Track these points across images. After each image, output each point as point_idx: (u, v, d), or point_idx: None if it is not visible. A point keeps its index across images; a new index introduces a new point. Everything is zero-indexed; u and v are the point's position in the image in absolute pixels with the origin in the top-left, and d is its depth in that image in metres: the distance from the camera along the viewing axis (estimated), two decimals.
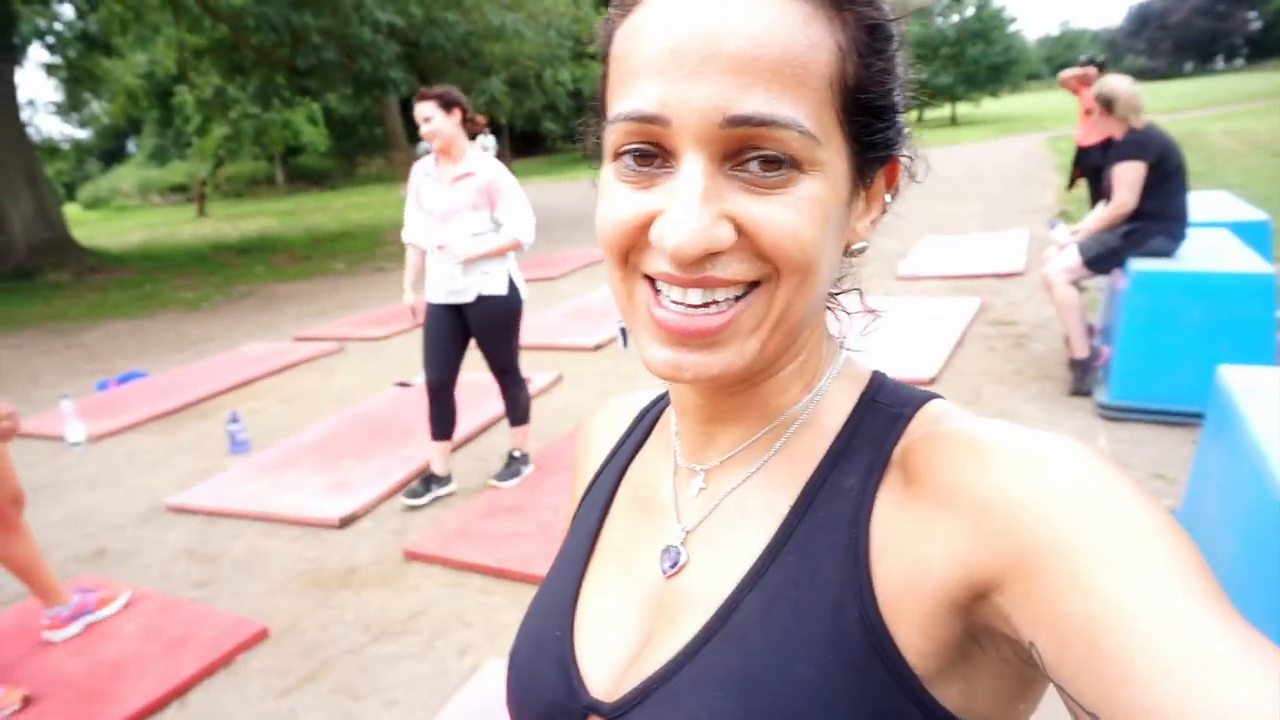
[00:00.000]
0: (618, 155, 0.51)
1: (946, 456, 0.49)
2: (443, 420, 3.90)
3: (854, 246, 0.56)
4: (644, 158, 0.50)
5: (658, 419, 0.71)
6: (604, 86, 0.54)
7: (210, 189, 29.96)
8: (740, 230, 0.48)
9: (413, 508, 3.90)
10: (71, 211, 26.63)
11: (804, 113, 0.47)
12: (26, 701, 2.64)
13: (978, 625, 0.47)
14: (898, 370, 4.85)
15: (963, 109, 38.58)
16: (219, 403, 5.98)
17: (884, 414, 0.56)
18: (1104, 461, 0.45)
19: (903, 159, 0.57)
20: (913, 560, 0.48)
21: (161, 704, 2.65)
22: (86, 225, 20.99)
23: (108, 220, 28.28)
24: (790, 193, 0.48)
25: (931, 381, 4.74)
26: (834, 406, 0.58)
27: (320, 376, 6.49)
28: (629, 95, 0.49)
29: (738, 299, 0.50)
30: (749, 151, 0.47)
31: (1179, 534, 0.42)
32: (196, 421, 5.63)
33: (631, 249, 0.52)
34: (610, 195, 0.52)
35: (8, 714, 2.61)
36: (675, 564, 0.59)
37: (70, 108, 27.00)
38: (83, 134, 37.82)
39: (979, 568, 0.45)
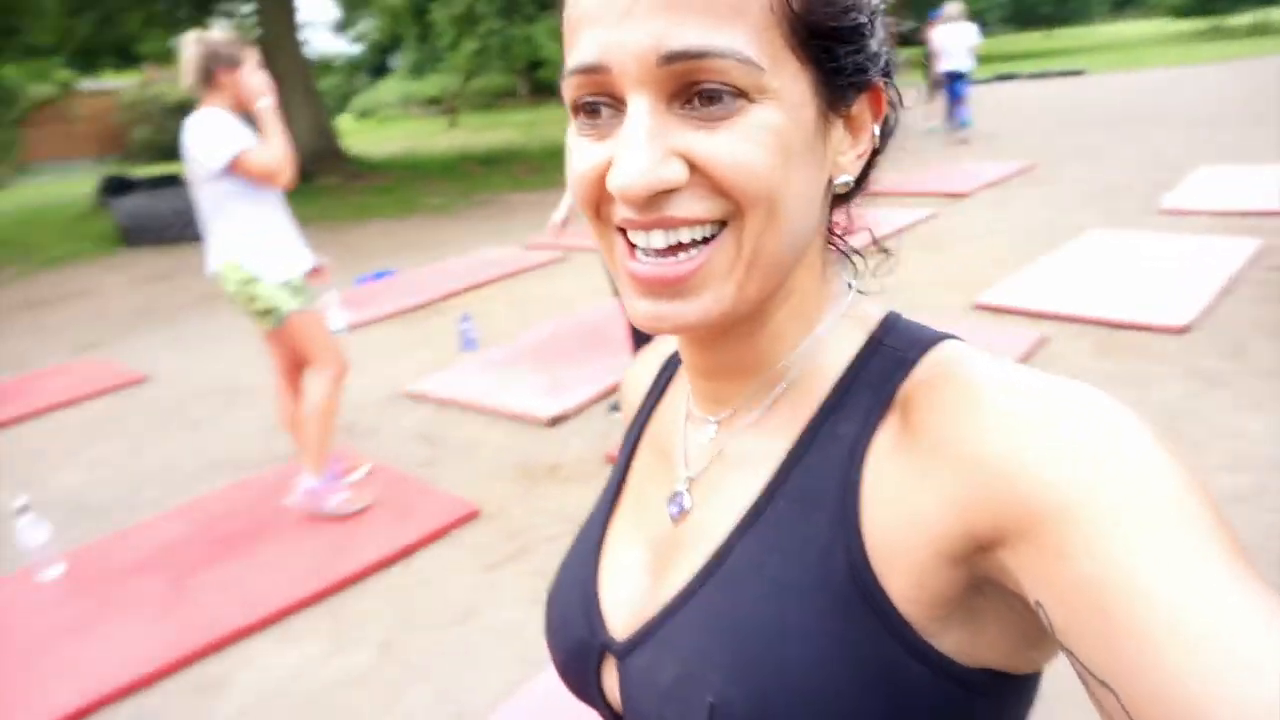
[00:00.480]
0: (575, 110, 0.51)
1: (948, 403, 0.47)
2: (640, 339, 4.01)
3: (837, 180, 0.53)
4: (596, 110, 0.49)
5: (677, 368, 0.71)
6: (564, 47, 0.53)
7: (460, 102, 31.88)
8: (693, 166, 0.47)
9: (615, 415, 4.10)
10: (343, 122, 29.37)
11: (743, 40, 0.45)
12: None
13: (980, 576, 0.46)
14: (1143, 315, 4.42)
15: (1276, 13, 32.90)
16: (455, 302, 6.50)
17: (889, 357, 0.54)
18: (1125, 412, 0.42)
19: (884, 86, 0.54)
20: (907, 509, 0.47)
21: (389, 562, 3.04)
22: (354, 135, 23.10)
23: (372, 130, 30.93)
24: (739, 123, 0.46)
25: (1183, 330, 4.24)
26: (837, 349, 0.56)
27: (546, 283, 6.87)
28: (574, 49, 0.49)
29: (705, 241, 0.49)
30: (694, 86, 0.46)
31: (1199, 492, 0.39)
32: (435, 318, 6.17)
33: (600, 202, 0.51)
34: (575, 151, 0.52)
35: (362, 473, 3.53)
36: (680, 509, 0.61)
37: (345, 25, 29.45)
38: (355, 50, 41.33)
39: (978, 522, 0.43)
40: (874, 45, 0.52)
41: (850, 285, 0.60)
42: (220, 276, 3.05)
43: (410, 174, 15.61)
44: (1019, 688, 0.51)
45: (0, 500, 3.54)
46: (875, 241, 0.63)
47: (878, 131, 0.55)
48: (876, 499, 0.49)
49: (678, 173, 0.47)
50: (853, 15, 0.49)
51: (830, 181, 0.53)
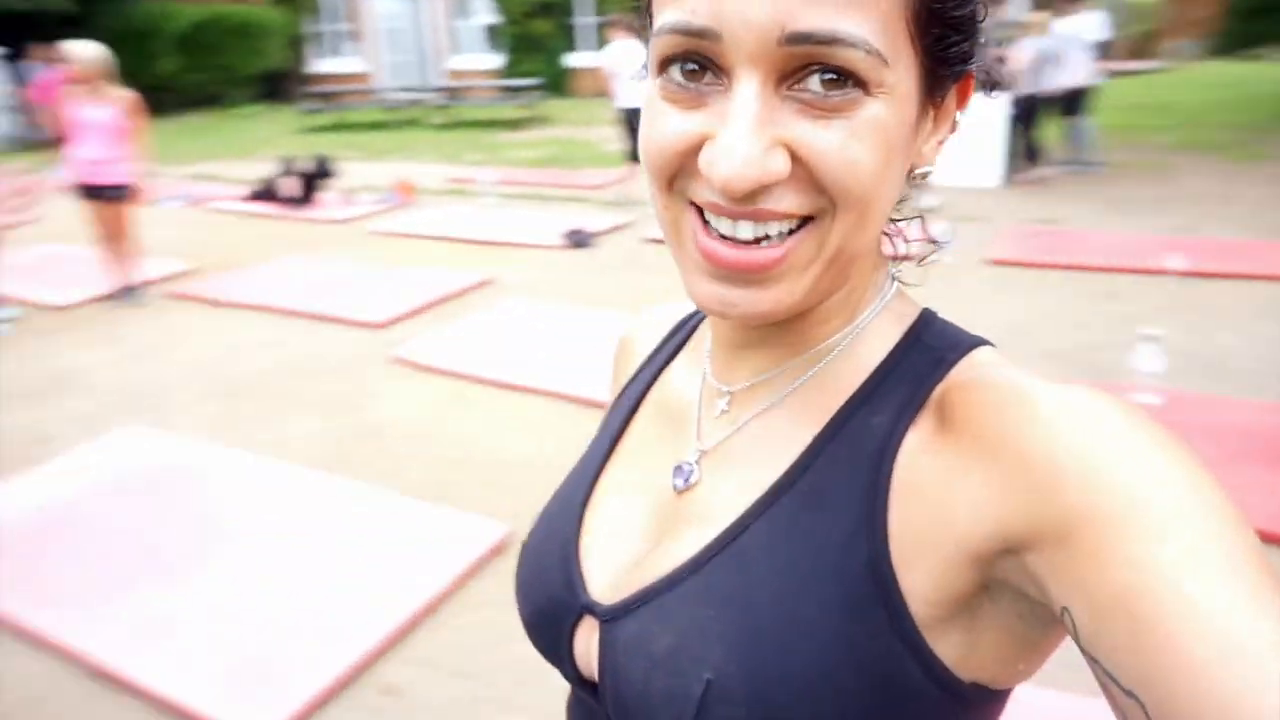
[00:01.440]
0: (663, 68, 0.47)
1: (988, 405, 0.46)
2: None
3: (918, 170, 0.52)
4: (692, 72, 0.46)
5: (694, 330, 0.69)
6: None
7: None
8: (796, 158, 0.44)
9: None
10: None
11: (872, 28, 0.42)
12: None
13: (995, 579, 0.45)
14: None
15: None
16: None
17: (927, 354, 0.53)
18: (1159, 428, 0.42)
19: (977, 72, 0.52)
20: (936, 507, 0.46)
21: None
22: None
23: None
24: (853, 117, 0.44)
25: None
26: (875, 340, 0.55)
27: None
28: (678, 3, 0.45)
29: (790, 233, 0.47)
30: (810, 69, 0.43)
31: (1232, 509, 0.39)
32: None
33: (677, 174, 0.48)
34: (655, 114, 0.48)
35: None
36: (687, 481, 0.59)
37: None
38: None
39: (1011, 524, 0.42)
40: (979, 30, 0.49)
41: (893, 277, 0.58)
42: None
43: None
44: (998, 702, 0.51)
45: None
46: (924, 233, 0.60)
47: (959, 118, 0.53)
48: (907, 495, 0.48)
49: (782, 166, 0.44)
50: (972, 4, 0.47)
51: (911, 170, 0.51)
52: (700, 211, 0.48)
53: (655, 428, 0.65)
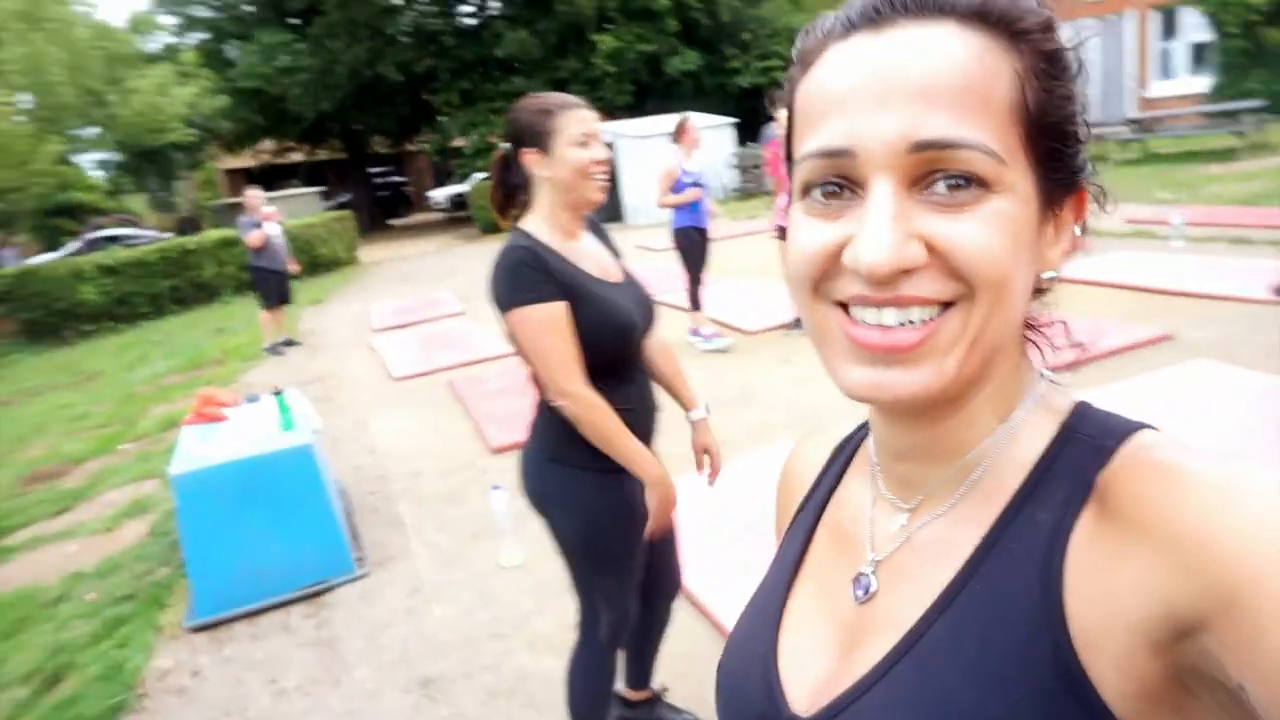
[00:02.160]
0: (806, 192, 0.54)
1: (1142, 487, 0.48)
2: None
3: (1045, 275, 0.56)
4: (832, 192, 0.52)
5: (855, 452, 0.72)
6: (789, 138, 0.58)
7: None
8: (931, 249, 0.49)
9: None
10: None
11: (987, 135, 0.48)
12: None
13: (1185, 668, 0.45)
14: None
15: None
16: None
17: (1085, 446, 0.54)
18: None
19: (1089, 189, 0.57)
20: (1108, 595, 0.47)
21: None
22: None
23: None
24: (980, 210, 0.49)
25: None
26: (1030, 439, 0.57)
27: None
28: (816, 134, 0.52)
29: (933, 319, 0.50)
30: (935, 174, 0.49)
31: None
32: None
33: (822, 278, 0.53)
34: (800, 229, 0.54)
35: None
36: (866, 591, 0.61)
37: None
38: None
39: (1178, 604, 0.44)
40: (1084, 150, 0.55)
41: (1043, 375, 0.60)
42: None
43: None
44: None
45: None
46: (1068, 336, 0.63)
47: (1078, 232, 0.57)
48: (1081, 588, 0.49)
49: (919, 254, 0.49)
50: (1077, 121, 0.54)
51: (1038, 275, 0.55)
52: (845, 308, 0.53)
53: (834, 546, 0.68)
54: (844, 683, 0.58)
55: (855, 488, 0.69)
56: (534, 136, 1.90)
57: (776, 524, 0.81)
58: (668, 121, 6.51)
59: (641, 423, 2.02)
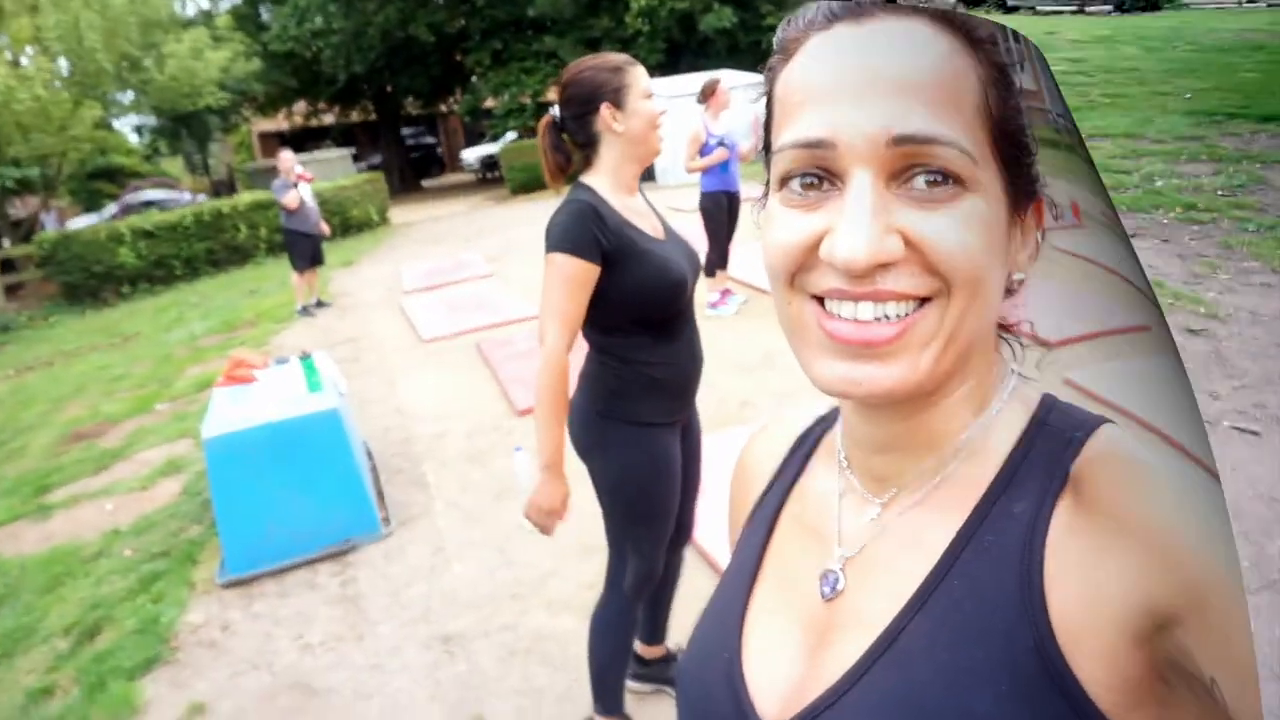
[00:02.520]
0: (783, 183, 0.53)
1: (1119, 482, 0.49)
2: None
3: (1014, 276, 0.56)
4: (810, 183, 0.51)
5: (816, 444, 0.70)
6: (768, 126, 0.57)
7: None
8: (909, 243, 0.49)
9: None
10: None
11: (961, 134, 0.49)
12: None
13: (1162, 660, 0.46)
14: None
15: None
16: None
17: (1056, 437, 0.54)
18: None
19: (1046, 199, 0.57)
20: (1090, 588, 0.47)
21: None
22: None
23: None
24: (957, 207, 0.50)
25: None
26: (1003, 431, 0.57)
27: None
28: (796, 124, 0.51)
29: (909, 314, 0.50)
30: (914, 170, 0.49)
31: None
32: None
33: (799, 270, 0.53)
34: (777, 220, 0.54)
35: None
36: (834, 588, 0.60)
37: None
38: None
39: (1156, 598, 0.45)
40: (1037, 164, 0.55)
41: (1013, 370, 0.60)
42: None
43: None
44: None
45: None
46: (1033, 334, 0.63)
47: (1040, 239, 0.57)
48: (1061, 581, 0.49)
49: (897, 248, 0.49)
50: (1028, 133, 0.54)
51: (1009, 276, 0.56)
52: (820, 302, 0.52)
53: (795, 543, 0.66)
54: (816, 687, 0.57)
55: (820, 480, 0.67)
56: (611, 93, 1.93)
57: (731, 520, 0.78)
58: (700, 80, 6.37)
59: (685, 376, 2.08)
